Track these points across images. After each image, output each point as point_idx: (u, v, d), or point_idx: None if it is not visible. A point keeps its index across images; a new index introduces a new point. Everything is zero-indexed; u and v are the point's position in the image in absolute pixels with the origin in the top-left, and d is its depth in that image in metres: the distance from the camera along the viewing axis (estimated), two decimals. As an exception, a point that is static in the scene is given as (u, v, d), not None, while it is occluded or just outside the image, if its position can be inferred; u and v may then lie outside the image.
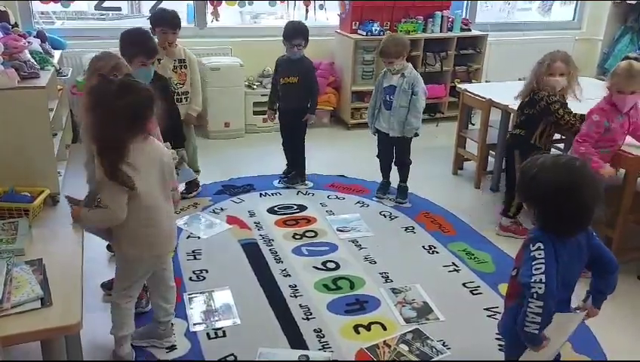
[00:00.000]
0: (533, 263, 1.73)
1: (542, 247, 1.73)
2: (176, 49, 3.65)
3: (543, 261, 1.72)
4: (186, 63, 3.67)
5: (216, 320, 2.62)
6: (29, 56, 3.62)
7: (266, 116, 4.30)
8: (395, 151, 3.89)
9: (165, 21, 3.54)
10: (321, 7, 5.34)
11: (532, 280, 1.71)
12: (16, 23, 4.19)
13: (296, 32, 3.79)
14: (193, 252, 3.19)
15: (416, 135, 3.77)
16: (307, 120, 3.98)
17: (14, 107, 3.35)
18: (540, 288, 1.69)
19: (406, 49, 3.65)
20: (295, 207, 3.80)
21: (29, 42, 3.77)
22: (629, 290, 2.99)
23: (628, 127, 3.03)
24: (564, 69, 3.22)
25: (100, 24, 5.37)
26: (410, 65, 3.72)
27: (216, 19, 5.07)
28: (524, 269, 1.76)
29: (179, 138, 3.23)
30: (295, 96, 3.92)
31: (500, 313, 2.73)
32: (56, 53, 4.25)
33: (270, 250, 3.25)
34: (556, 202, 1.71)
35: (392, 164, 3.96)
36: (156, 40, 3.51)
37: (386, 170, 4.00)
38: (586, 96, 3.84)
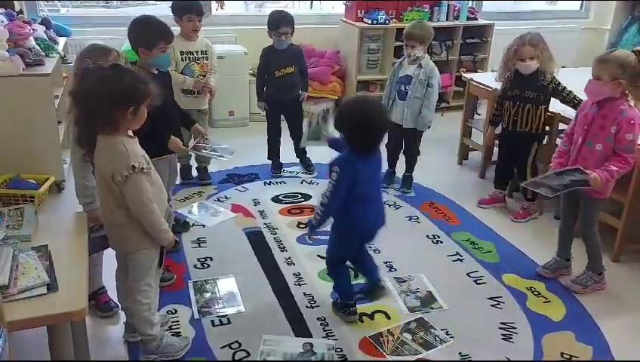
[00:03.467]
0: (329, 182, 2.34)
1: (338, 172, 2.32)
2: (199, 39, 3.59)
3: (334, 183, 2.32)
4: (207, 55, 3.60)
5: (221, 308, 2.63)
6: (34, 43, 3.62)
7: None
8: (405, 142, 3.87)
9: (192, 8, 3.49)
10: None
11: (323, 194, 2.37)
12: (21, 10, 4.18)
13: (281, 21, 3.74)
14: (198, 240, 3.20)
15: (428, 127, 3.76)
16: (304, 99, 4.02)
17: (19, 94, 3.37)
18: (325, 201, 2.36)
19: (429, 38, 3.63)
20: (299, 195, 3.79)
21: (33, 29, 3.77)
22: (632, 280, 2.99)
23: (587, 125, 2.66)
24: (531, 52, 3.24)
25: (105, 11, 5.36)
26: (427, 56, 3.69)
27: (221, 8, 5.05)
28: (327, 185, 2.36)
29: (164, 145, 2.76)
30: (294, 85, 3.94)
31: (504, 302, 2.75)
32: (61, 41, 4.25)
33: (274, 238, 3.26)
34: (358, 127, 2.32)
35: (400, 154, 3.95)
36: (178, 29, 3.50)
37: (392, 160, 3.98)
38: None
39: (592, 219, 2.80)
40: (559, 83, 3.33)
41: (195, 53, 3.57)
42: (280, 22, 3.73)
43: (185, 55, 3.55)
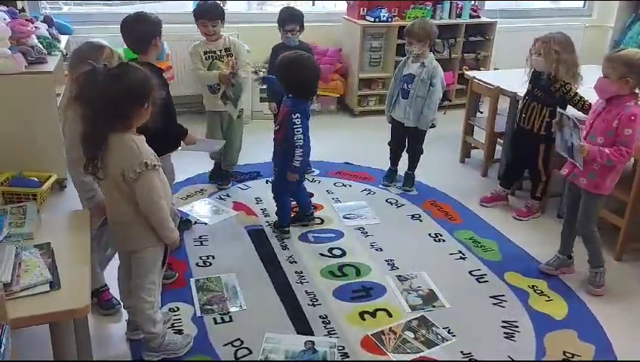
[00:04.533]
0: (295, 128, 2.97)
1: (300, 117, 2.98)
2: (220, 40, 3.57)
3: (300, 126, 2.98)
4: (231, 51, 3.58)
5: (223, 306, 2.63)
6: (36, 41, 3.63)
7: (273, 103, 4.27)
8: (407, 141, 3.87)
9: (204, 14, 3.50)
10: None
11: (296, 139, 3.00)
12: (23, 8, 4.18)
13: (288, 18, 3.74)
14: (200, 238, 3.20)
15: (433, 126, 3.74)
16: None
17: (22, 92, 3.38)
18: (300, 142, 3.01)
19: (430, 37, 3.59)
20: (301, 193, 3.79)
21: (36, 27, 3.78)
22: (635, 279, 2.98)
23: (592, 119, 2.73)
24: (539, 48, 3.23)
25: (107, 9, 5.35)
26: (432, 55, 3.67)
27: (223, 6, 5.04)
28: (290, 132, 3.00)
29: (169, 142, 2.84)
30: None
31: (506, 301, 2.75)
32: (63, 39, 4.25)
33: (276, 236, 3.26)
34: (300, 82, 2.98)
35: (402, 152, 3.95)
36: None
37: (395, 158, 3.98)
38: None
39: (589, 215, 2.79)
40: (569, 91, 3.22)
41: (217, 52, 3.56)
42: (286, 19, 3.75)
43: (208, 54, 3.56)
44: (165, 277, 2.64)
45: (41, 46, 3.63)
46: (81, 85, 2.01)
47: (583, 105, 3.22)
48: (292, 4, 5.32)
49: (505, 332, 2.53)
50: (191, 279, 2.82)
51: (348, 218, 3.49)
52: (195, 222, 3.36)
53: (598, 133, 2.67)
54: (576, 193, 2.82)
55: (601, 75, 2.65)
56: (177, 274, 2.82)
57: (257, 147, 4.31)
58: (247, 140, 4.61)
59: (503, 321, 2.60)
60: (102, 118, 1.94)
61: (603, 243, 3.17)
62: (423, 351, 2.39)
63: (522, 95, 3.52)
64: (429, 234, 3.35)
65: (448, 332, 2.51)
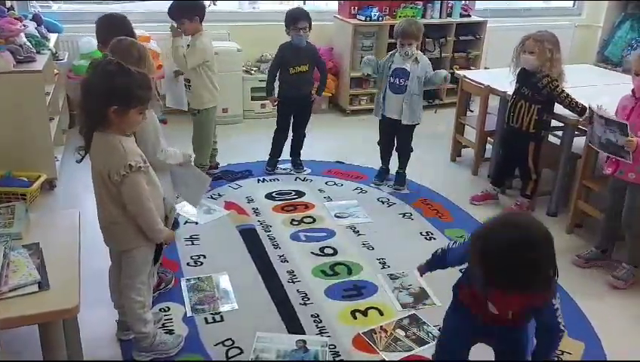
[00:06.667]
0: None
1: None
2: (194, 36, 3.54)
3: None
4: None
5: (214, 305, 2.63)
6: (24, 39, 3.60)
7: (264, 102, 4.26)
8: (398, 139, 3.87)
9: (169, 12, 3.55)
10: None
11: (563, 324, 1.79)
12: (11, 6, 4.15)
13: (300, 15, 3.77)
14: (191, 237, 3.19)
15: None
16: (314, 101, 4.01)
17: (10, 91, 3.35)
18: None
19: (421, 33, 3.64)
20: (293, 193, 3.79)
21: (24, 26, 3.75)
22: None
23: (626, 117, 2.76)
24: (532, 46, 3.24)
25: (97, 7, 5.32)
26: (419, 51, 3.70)
27: (214, 4, 5.04)
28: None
29: None
30: (307, 83, 3.94)
31: (496, 299, 2.75)
32: (52, 37, 4.22)
33: (268, 235, 3.26)
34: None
35: (393, 150, 3.95)
36: None
37: (386, 157, 3.98)
38: (586, 82, 3.84)
39: (634, 208, 2.81)
40: (556, 87, 3.24)
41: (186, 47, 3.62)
42: (299, 17, 3.76)
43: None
44: (166, 281, 2.69)
45: (29, 44, 3.61)
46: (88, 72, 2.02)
47: (570, 103, 3.25)
48: (284, 3, 5.33)
49: (495, 330, 2.54)
50: (182, 279, 2.81)
51: (339, 217, 3.49)
52: (186, 222, 3.35)
53: (636, 129, 2.69)
54: (621, 188, 2.86)
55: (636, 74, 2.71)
56: (174, 277, 2.78)
57: (248, 147, 4.31)
58: (238, 139, 4.62)
59: (494, 319, 2.61)
60: (87, 111, 1.96)
61: (591, 240, 3.21)
62: (414, 349, 2.40)
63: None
64: (420, 233, 3.36)
65: (439, 330, 2.51)
